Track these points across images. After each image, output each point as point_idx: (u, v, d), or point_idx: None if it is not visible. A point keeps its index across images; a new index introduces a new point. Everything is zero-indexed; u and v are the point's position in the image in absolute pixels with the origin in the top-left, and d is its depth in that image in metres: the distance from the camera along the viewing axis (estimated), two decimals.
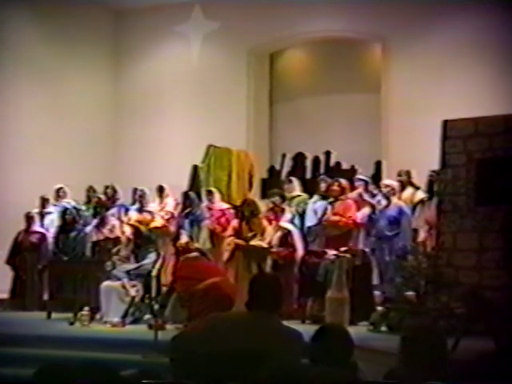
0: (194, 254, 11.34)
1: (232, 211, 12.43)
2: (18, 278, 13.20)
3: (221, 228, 12.22)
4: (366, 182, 12.53)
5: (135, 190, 13.82)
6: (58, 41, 16.46)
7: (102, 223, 12.85)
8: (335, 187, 11.83)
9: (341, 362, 4.15)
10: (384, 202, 11.52)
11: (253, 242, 11.54)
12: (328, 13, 15.74)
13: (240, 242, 11.61)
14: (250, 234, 11.61)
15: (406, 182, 12.11)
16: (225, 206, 12.63)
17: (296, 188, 12.88)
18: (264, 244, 11.51)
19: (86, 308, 10.93)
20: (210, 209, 12.54)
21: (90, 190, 14.01)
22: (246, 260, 11.52)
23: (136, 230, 12.12)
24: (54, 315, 11.69)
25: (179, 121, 16.82)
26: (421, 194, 11.68)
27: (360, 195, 12.15)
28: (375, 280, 11.07)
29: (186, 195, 12.90)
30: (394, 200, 11.51)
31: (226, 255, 11.70)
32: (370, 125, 15.56)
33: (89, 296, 11.37)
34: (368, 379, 4.46)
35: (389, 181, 12.15)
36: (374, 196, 11.96)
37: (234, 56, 16.58)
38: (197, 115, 16.69)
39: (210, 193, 12.74)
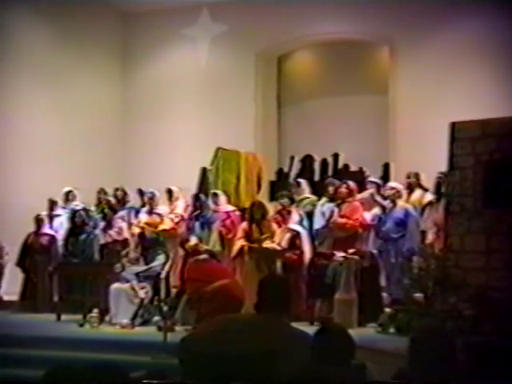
0: (203, 255, 11.38)
1: (238, 213, 12.45)
2: (28, 280, 13.25)
3: (226, 230, 12.24)
4: (378, 185, 12.58)
5: (140, 191, 13.85)
6: (67, 43, 16.52)
7: (110, 226, 12.89)
8: (343, 189, 11.86)
9: (340, 361, 4.17)
10: (391, 205, 11.58)
11: (265, 245, 11.54)
12: (335, 15, 15.76)
13: (252, 244, 11.60)
14: (263, 237, 11.61)
15: (414, 183, 12.16)
16: (230, 208, 12.65)
17: (304, 190, 12.91)
18: (277, 246, 11.52)
19: (96, 310, 10.98)
20: (215, 211, 12.55)
21: (101, 191, 14.04)
22: (257, 262, 11.52)
23: (141, 233, 12.18)
24: (63, 317, 11.73)
25: (187, 123, 16.84)
26: (429, 196, 11.71)
27: (372, 195, 12.21)
28: (382, 282, 11.10)
29: (196, 197, 12.91)
30: (400, 202, 11.55)
31: (237, 258, 11.70)
32: (378, 127, 15.57)
33: (98, 298, 11.42)
34: (376, 380, 4.48)
35: (394, 183, 12.20)
36: (385, 198, 11.99)
37: (241, 58, 16.60)
38: (205, 118, 16.73)
39: (215, 195, 12.73)
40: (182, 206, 13.31)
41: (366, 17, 15.47)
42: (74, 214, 13.11)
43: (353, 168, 15.46)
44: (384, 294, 10.91)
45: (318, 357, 4.21)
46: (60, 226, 13.60)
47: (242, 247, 11.59)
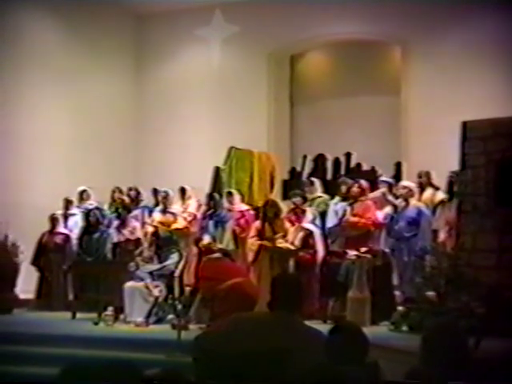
0: (217, 254, 11.43)
1: (252, 212, 12.48)
2: (43, 278, 13.33)
3: (240, 229, 12.27)
4: (390, 184, 12.59)
5: (155, 190, 13.93)
6: (80, 44, 16.58)
7: (123, 225, 12.95)
8: (355, 188, 11.89)
9: (355, 360, 4.20)
10: (404, 204, 11.60)
11: (279, 244, 11.56)
12: (348, 15, 15.76)
13: (265, 243, 11.63)
14: (276, 236, 11.63)
15: (426, 183, 12.16)
16: (244, 207, 12.68)
17: (317, 189, 12.95)
18: (290, 246, 11.54)
19: (110, 308, 11.03)
20: (229, 210, 12.60)
21: (116, 190, 14.09)
22: (270, 261, 11.55)
23: (155, 232, 12.23)
24: (78, 315, 11.79)
25: (201, 123, 16.89)
26: (441, 195, 11.72)
27: (384, 194, 12.24)
28: (395, 280, 11.12)
29: (210, 196, 12.96)
30: (413, 201, 11.56)
31: (250, 256, 11.73)
32: (390, 126, 15.57)
33: (112, 296, 11.47)
34: (389, 379, 4.50)
35: (406, 182, 12.22)
36: (397, 197, 12.00)
37: (254, 59, 16.63)
38: (218, 118, 16.77)
39: (229, 194, 12.77)
40: (194, 205, 13.38)
41: (379, 17, 15.46)
42: (88, 213, 13.17)
43: (365, 167, 15.44)
44: (397, 293, 10.92)
45: (332, 355, 4.24)
46: (75, 225, 13.67)
47: (259, 249, 11.61)
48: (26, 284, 13.30)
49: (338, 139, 16.04)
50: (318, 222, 12.02)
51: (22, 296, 13.19)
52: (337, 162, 15.97)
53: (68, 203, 13.95)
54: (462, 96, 14.45)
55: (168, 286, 11.33)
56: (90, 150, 16.26)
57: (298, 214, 12.10)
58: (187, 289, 11.52)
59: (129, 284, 11.29)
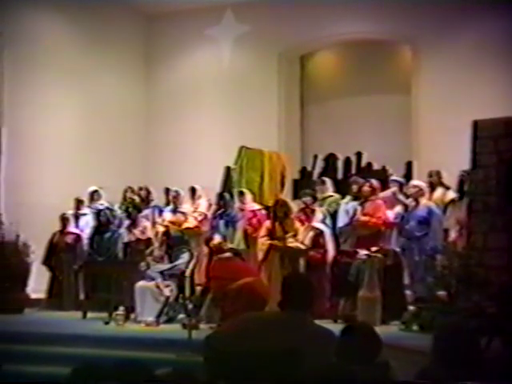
0: (227, 254, 11.43)
1: (263, 212, 12.47)
2: (54, 278, 13.36)
3: (252, 229, 12.27)
4: (401, 184, 12.58)
5: (167, 190, 13.95)
6: (90, 44, 16.61)
7: (134, 224, 12.97)
8: (366, 188, 11.88)
9: (367, 360, 4.20)
10: (414, 203, 11.58)
11: (290, 244, 11.56)
12: (358, 15, 15.75)
13: (276, 242, 11.63)
14: (287, 235, 11.63)
15: (436, 182, 12.15)
16: (256, 206, 12.68)
17: (328, 188, 12.94)
18: (301, 245, 11.53)
19: (121, 308, 11.05)
20: (241, 210, 12.61)
21: (129, 190, 14.14)
22: (281, 260, 11.55)
23: (166, 231, 12.24)
24: (89, 315, 11.82)
25: (211, 123, 16.90)
26: (451, 194, 11.70)
27: (394, 194, 12.23)
28: (406, 280, 11.10)
29: (220, 196, 12.98)
30: (423, 200, 11.54)
31: (260, 255, 11.73)
32: (401, 126, 15.56)
33: (123, 296, 11.49)
34: (400, 378, 4.49)
35: (417, 181, 12.20)
36: (408, 197, 11.99)
37: (264, 59, 16.64)
38: (228, 117, 16.78)
39: (241, 194, 12.78)
40: (204, 205, 13.39)
41: (389, 16, 15.45)
42: (98, 213, 13.20)
43: (376, 166, 15.41)
44: (407, 292, 10.91)
45: (345, 355, 4.24)
46: (86, 224, 13.70)
47: (269, 249, 11.61)
48: (37, 284, 13.34)
49: (349, 139, 16.02)
50: (328, 221, 12.02)
51: (33, 296, 13.23)
52: (347, 161, 15.93)
53: (79, 203, 14.00)
54: (473, 95, 14.42)
55: (179, 286, 11.34)
56: (100, 149, 16.29)
57: (307, 213, 12.10)
58: (198, 288, 11.53)
59: (140, 283, 11.31)
